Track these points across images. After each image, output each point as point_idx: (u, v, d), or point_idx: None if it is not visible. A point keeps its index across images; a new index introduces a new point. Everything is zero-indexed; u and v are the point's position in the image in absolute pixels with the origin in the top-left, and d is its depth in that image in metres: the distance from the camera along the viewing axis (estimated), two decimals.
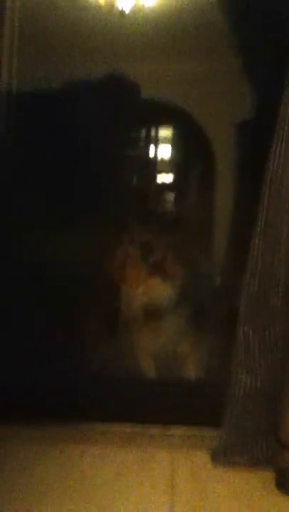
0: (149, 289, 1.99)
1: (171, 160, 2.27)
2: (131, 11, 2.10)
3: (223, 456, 1.57)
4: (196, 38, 2.06)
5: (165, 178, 2.28)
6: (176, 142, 2.29)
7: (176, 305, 1.99)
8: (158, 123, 2.25)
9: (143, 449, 1.65)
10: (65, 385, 1.81)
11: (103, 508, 1.37)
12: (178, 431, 1.74)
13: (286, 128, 1.42)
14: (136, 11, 2.10)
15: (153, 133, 2.27)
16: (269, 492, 1.45)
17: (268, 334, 1.49)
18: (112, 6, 2.11)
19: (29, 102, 2.06)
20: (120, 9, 2.11)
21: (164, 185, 2.25)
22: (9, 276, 1.90)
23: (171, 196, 2.26)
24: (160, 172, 2.26)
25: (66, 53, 2.11)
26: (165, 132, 2.30)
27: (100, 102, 2.12)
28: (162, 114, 2.20)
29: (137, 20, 2.10)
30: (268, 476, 1.50)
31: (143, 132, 2.27)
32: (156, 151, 2.24)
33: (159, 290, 1.98)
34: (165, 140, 2.27)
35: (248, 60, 1.92)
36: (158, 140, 2.26)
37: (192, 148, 2.25)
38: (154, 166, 2.27)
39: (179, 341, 1.98)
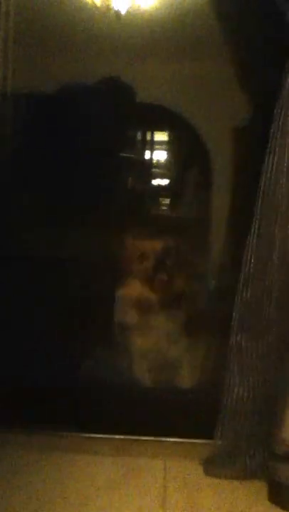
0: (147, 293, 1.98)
1: (167, 162, 2.26)
2: (127, 12, 2.08)
3: (215, 466, 1.55)
4: (193, 39, 2.05)
5: (161, 180, 2.27)
6: (172, 144, 2.28)
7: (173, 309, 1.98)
8: (154, 125, 2.24)
9: (136, 458, 1.64)
10: (59, 394, 1.80)
11: None
12: (171, 440, 1.74)
13: (278, 138, 1.42)
14: (132, 12, 2.08)
15: (149, 135, 2.26)
16: (261, 503, 1.44)
17: (260, 343, 1.48)
18: (107, 6, 2.09)
19: (24, 103, 2.06)
20: (116, 10, 2.09)
21: (160, 187, 2.25)
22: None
23: (167, 198, 2.25)
24: (156, 174, 2.26)
25: (62, 54, 2.10)
26: (161, 134, 2.29)
27: (96, 103, 2.11)
28: (158, 115, 2.19)
29: (133, 21, 2.08)
30: (261, 486, 1.49)
31: (139, 134, 2.26)
32: (151, 153, 2.23)
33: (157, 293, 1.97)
34: (161, 142, 2.27)
35: (245, 63, 1.91)
36: (154, 142, 2.25)
37: (189, 151, 2.24)
38: (150, 168, 2.26)
39: (173, 348, 1.97)
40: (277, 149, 1.42)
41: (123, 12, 2.09)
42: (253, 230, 1.46)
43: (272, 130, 1.43)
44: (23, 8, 2.02)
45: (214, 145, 2.10)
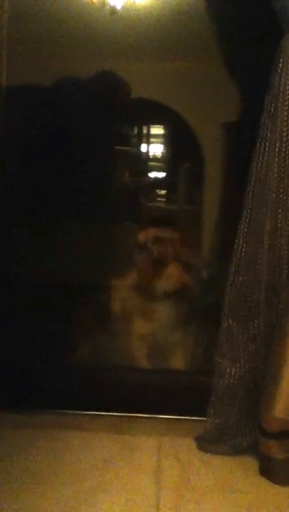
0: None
1: (161, 157, 2.30)
2: (122, 8, 2.11)
3: (208, 443, 1.62)
4: (187, 35, 2.08)
5: (155, 174, 2.31)
6: (166, 140, 2.31)
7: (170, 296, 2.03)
8: (148, 121, 2.27)
9: (130, 436, 1.69)
10: (56, 374, 1.85)
11: (91, 493, 1.41)
12: (164, 418, 1.79)
13: (269, 130, 1.47)
14: (127, 8, 2.11)
15: (143, 130, 2.29)
16: (253, 478, 1.50)
17: (251, 326, 1.54)
18: (103, 2, 2.12)
19: (20, 100, 2.06)
20: (111, 6, 2.12)
21: (154, 181, 2.28)
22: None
23: (161, 192, 2.29)
24: (150, 169, 2.29)
25: (57, 50, 2.12)
26: (155, 130, 2.32)
27: (90, 99, 2.14)
28: (152, 112, 2.22)
29: (128, 17, 2.11)
30: (252, 462, 1.56)
31: (134, 130, 2.29)
32: (147, 148, 2.27)
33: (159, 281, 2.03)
34: (155, 137, 2.30)
35: (238, 59, 1.95)
36: (148, 137, 2.28)
37: (181, 146, 2.27)
38: (144, 163, 2.30)
39: (168, 331, 2.02)
40: (267, 138, 1.48)
41: (118, 8, 2.12)
42: (244, 219, 1.52)
43: (262, 119, 1.49)
44: (18, 4, 2.03)
45: (205, 141, 2.15)
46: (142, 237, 2.05)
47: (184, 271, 2.03)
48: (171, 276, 2.01)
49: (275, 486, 1.47)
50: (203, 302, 2.02)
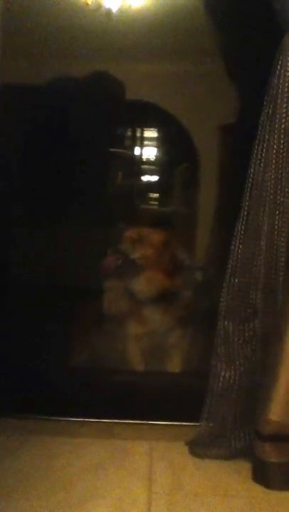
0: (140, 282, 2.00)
1: (156, 159, 2.30)
2: (118, 11, 2.12)
3: (201, 448, 1.60)
4: (183, 38, 2.10)
5: (150, 177, 2.31)
6: (161, 142, 2.32)
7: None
8: (143, 123, 2.28)
9: (122, 440, 1.67)
10: (46, 379, 1.82)
11: (82, 498, 1.39)
12: (156, 422, 1.76)
13: (267, 131, 1.47)
14: (123, 11, 2.12)
15: (138, 133, 2.29)
16: (246, 483, 1.49)
17: (247, 328, 1.53)
18: (98, 5, 2.12)
19: (15, 101, 2.05)
20: (107, 8, 2.12)
21: (149, 183, 2.28)
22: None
23: (156, 194, 2.29)
24: (145, 171, 2.29)
25: (52, 52, 2.13)
26: (150, 132, 2.33)
27: (85, 100, 2.14)
28: (148, 114, 2.23)
29: (124, 19, 2.13)
30: (245, 466, 1.54)
31: (128, 132, 2.29)
32: (141, 150, 2.27)
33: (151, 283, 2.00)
34: (150, 140, 2.30)
35: (234, 61, 1.96)
36: (143, 140, 2.28)
37: (177, 149, 2.28)
38: (139, 165, 2.30)
39: (163, 334, 2.00)
40: (265, 139, 1.47)
41: (114, 10, 2.13)
42: (241, 219, 1.51)
43: (260, 121, 1.48)
44: (15, 6, 2.01)
45: (201, 143, 2.15)
46: (128, 235, 2.01)
47: (167, 275, 1.99)
48: (150, 280, 1.98)
49: (269, 490, 1.45)
50: (199, 304, 2.00)
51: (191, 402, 1.64)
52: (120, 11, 2.13)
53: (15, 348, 1.87)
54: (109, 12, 2.14)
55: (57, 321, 1.96)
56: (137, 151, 2.27)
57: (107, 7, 2.14)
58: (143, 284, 1.97)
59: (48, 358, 1.89)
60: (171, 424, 1.75)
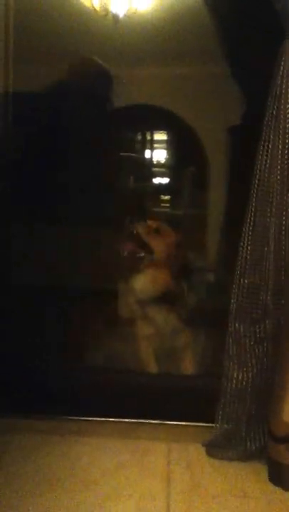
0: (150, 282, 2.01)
1: (165, 162, 2.30)
2: (125, 16, 2.13)
3: (217, 449, 1.60)
4: (189, 42, 2.11)
5: (159, 179, 2.32)
6: (169, 145, 2.32)
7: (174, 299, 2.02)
8: (152, 126, 2.28)
9: (140, 441, 1.68)
10: (66, 379, 1.84)
11: (102, 498, 1.41)
12: (174, 423, 1.77)
13: (271, 131, 1.46)
14: (130, 16, 2.13)
15: (147, 135, 2.30)
16: (263, 484, 1.49)
17: (258, 329, 1.53)
18: (106, 10, 2.14)
19: (23, 104, 2.08)
20: (114, 14, 2.14)
21: (158, 186, 2.29)
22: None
23: (165, 196, 2.29)
24: (154, 173, 2.30)
25: (60, 57, 2.16)
26: (159, 135, 2.33)
27: (93, 104, 2.16)
28: (156, 117, 2.23)
29: (131, 24, 2.14)
30: (261, 467, 1.54)
31: (137, 135, 2.30)
32: (151, 153, 2.28)
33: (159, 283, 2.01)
34: (158, 142, 2.31)
35: (240, 64, 1.95)
36: (152, 142, 2.29)
37: (185, 151, 2.28)
38: (149, 168, 2.30)
39: (176, 335, 2.01)
40: (270, 140, 1.47)
41: (121, 15, 2.14)
42: (248, 219, 1.51)
43: (265, 121, 1.48)
44: (23, 12, 2.06)
45: (208, 145, 2.15)
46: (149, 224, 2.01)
47: (174, 275, 1.98)
48: (154, 280, 1.98)
49: (285, 491, 1.45)
50: (208, 306, 2.01)
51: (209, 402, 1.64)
52: (127, 16, 2.14)
53: (33, 348, 1.90)
54: (116, 17, 2.15)
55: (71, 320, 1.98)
56: (144, 153, 2.28)
57: (114, 12, 2.15)
58: (147, 283, 1.98)
59: (66, 357, 1.91)
60: (189, 425, 1.75)
